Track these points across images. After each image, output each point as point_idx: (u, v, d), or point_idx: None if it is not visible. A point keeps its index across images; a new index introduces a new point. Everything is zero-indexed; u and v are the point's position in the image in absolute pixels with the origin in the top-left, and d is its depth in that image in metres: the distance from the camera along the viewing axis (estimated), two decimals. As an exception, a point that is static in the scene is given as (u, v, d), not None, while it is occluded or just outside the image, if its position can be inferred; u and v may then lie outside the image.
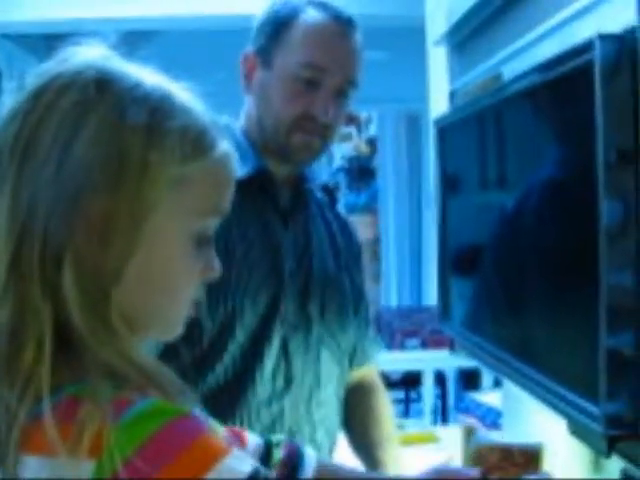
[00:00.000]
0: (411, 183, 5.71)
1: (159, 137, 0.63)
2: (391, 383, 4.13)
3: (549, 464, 1.21)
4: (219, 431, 0.88)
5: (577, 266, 0.84)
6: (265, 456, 0.94)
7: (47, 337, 0.60)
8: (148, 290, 0.65)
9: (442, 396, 4.18)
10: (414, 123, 5.59)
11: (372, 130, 6.29)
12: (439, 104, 1.45)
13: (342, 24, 1.23)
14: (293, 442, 0.99)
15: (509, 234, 1.08)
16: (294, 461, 0.95)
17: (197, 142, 0.65)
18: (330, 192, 1.45)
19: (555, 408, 0.90)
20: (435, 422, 3.73)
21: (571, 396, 0.85)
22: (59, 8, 3.18)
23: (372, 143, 6.29)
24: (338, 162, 6.68)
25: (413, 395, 4.60)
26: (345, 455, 1.41)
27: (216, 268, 0.70)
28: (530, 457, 1.08)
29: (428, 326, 4.25)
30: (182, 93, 0.68)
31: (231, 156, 0.69)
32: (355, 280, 1.43)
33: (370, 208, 6.13)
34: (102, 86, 0.63)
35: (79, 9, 3.17)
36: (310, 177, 1.35)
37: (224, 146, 0.68)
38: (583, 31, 0.85)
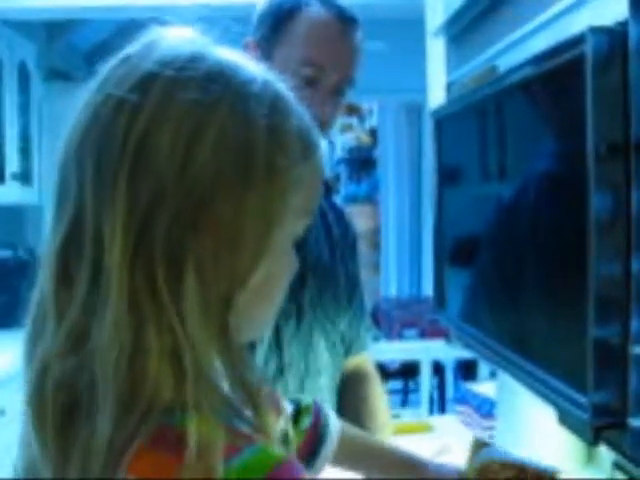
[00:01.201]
0: (412, 173, 5.71)
1: (281, 138, 0.59)
2: (389, 373, 4.15)
3: (542, 456, 1.22)
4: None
5: (568, 258, 0.84)
6: (294, 422, 0.94)
7: (182, 352, 0.54)
8: (257, 298, 0.61)
9: (440, 386, 4.20)
10: (415, 114, 5.59)
11: (374, 121, 6.28)
12: (437, 95, 1.45)
13: (345, 22, 1.24)
14: (319, 409, 1.00)
15: (504, 226, 1.09)
16: (319, 431, 0.96)
17: (308, 141, 0.62)
18: (326, 182, 1.46)
19: (545, 398, 0.91)
20: (432, 412, 3.74)
21: (560, 386, 0.86)
22: (60, -5, 3.18)
23: (373, 134, 6.28)
24: (339, 153, 6.68)
25: (411, 385, 4.61)
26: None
27: (296, 265, 0.66)
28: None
29: (427, 316, 4.26)
30: (287, 90, 0.64)
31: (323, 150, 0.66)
32: (350, 270, 1.44)
33: (371, 198, 6.13)
34: (221, 79, 0.58)
35: (80, -3, 3.16)
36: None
37: (321, 142, 0.65)
38: (577, 24, 0.86)
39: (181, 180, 0.55)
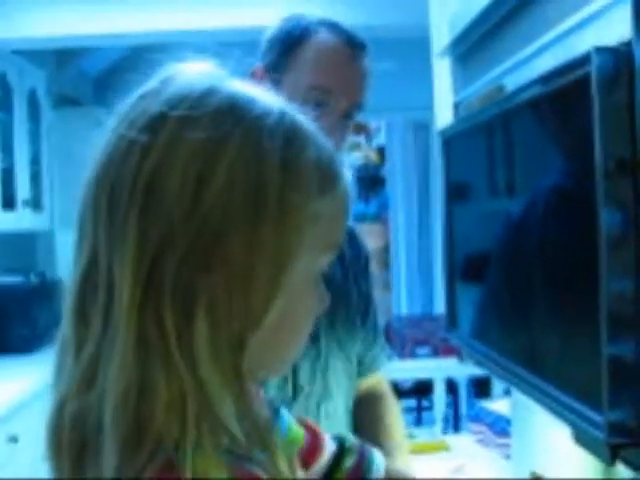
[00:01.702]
0: (420, 191, 5.72)
1: (296, 173, 0.57)
2: (402, 391, 4.13)
3: (558, 474, 1.21)
4: (300, 437, 0.86)
5: (579, 275, 0.84)
6: (337, 461, 0.93)
7: (188, 397, 0.53)
8: (277, 337, 0.59)
9: (454, 404, 4.17)
10: (422, 132, 5.61)
11: (381, 139, 6.30)
12: (444, 115, 1.46)
13: (354, 47, 1.24)
14: (364, 448, 0.98)
15: (514, 243, 1.09)
16: (363, 469, 0.95)
17: (328, 174, 0.60)
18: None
19: (560, 416, 0.91)
20: (447, 430, 3.72)
21: (575, 404, 0.85)
22: (69, 24, 3.22)
23: (381, 152, 6.30)
24: (348, 172, 6.70)
25: (425, 403, 4.59)
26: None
27: (327, 300, 0.65)
28: None
29: (439, 334, 4.25)
30: (306, 121, 0.61)
31: (349, 185, 0.63)
32: (362, 289, 1.44)
33: (380, 217, 6.14)
34: (232, 115, 0.57)
35: (88, 24, 3.20)
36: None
37: (346, 173, 0.63)
38: (582, 43, 0.86)
39: (190, 220, 0.54)
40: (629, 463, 0.78)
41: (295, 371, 1.26)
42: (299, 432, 0.88)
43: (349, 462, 0.94)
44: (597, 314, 0.77)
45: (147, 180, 0.55)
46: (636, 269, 0.75)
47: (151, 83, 0.60)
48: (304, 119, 0.61)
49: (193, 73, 0.60)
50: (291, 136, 0.58)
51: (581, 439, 0.85)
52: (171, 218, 0.54)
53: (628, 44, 0.73)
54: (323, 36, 1.24)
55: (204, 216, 0.54)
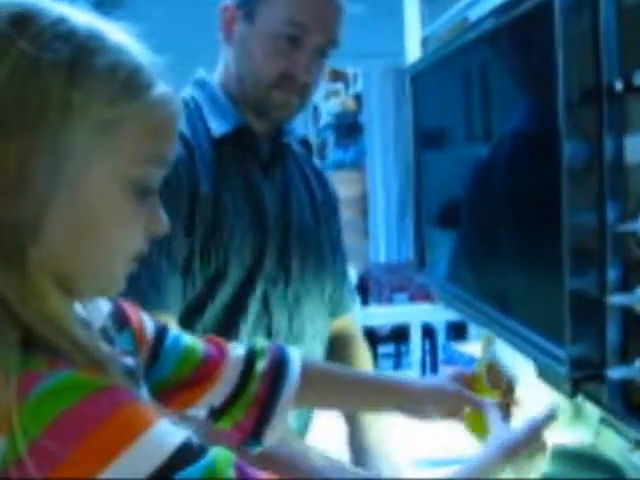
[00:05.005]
0: (397, 139, 5.68)
1: (83, 75, 0.58)
2: (380, 338, 4.16)
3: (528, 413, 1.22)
4: (196, 348, 0.89)
5: (544, 212, 0.83)
6: (248, 368, 0.92)
7: None
8: (77, 242, 0.60)
9: (432, 349, 4.21)
10: (400, 79, 5.54)
11: (359, 86, 6.23)
12: (414, 52, 1.43)
13: None
14: (277, 349, 0.96)
15: (482, 186, 1.08)
16: (277, 372, 0.93)
17: (129, 82, 0.61)
18: (308, 146, 1.44)
19: (526, 352, 0.91)
20: (424, 374, 3.76)
21: (539, 340, 0.85)
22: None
23: (359, 99, 6.24)
24: (325, 119, 6.63)
25: (403, 349, 4.63)
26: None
27: (163, 222, 0.66)
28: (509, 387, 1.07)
29: (416, 281, 4.25)
30: (117, 33, 0.63)
31: (172, 100, 0.64)
32: (333, 233, 1.43)
33: (358, 164, 6.10)
34: (21, 21, 0.58)
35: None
36: (288, 131, 1.34)
37: (163, 89, 0.63)
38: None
39: None
40: (591, 397, 0.78)
41: (269, 313, 1.25)
42: (195, 345, 0.89)
43: (261, 365, 0.92)
44: (560, 249, 0.76)
45: None
46: (599, 202, 0.73)
47: None
48: (120, 35, 0.62)
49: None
50: (84, 42, 0.59)
51: (544, 374, 0.85)
52: None
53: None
54: None
55: None
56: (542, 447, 0.89)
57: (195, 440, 0.58)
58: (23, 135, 0.57)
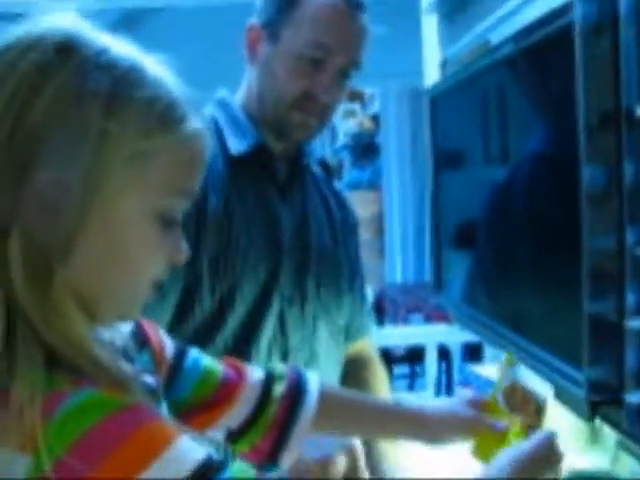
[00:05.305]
0: (414, 159, 5.69)
1: (121, 107, 0.60)
2: (395, 358, 4.14)
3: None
4: (215, 371, 0.89)
5: (563, 235, 0.83)
6: (266, 391, 0.92)
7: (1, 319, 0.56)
8: (103, 267, 0.61)
9: (447, 370, 4.19)
10: (417, 99, 5.55)
11: (376, 107, 6.25)
12: (432, 74, 1.44)
13: (351, 6, 1.23)
14: (296, 373, 0.96)
15: (500, 204, 1.08)
16: (295, 396, 0.93)
17: (164, 115, 0.62)
18: (327, 167, 1.45)
19: (543, 375, 0.90)
20: (439, 396, 3.74)
21: (557, 362, 0.85)
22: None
23: (376, 120, 6.26)
24: (342, 139, 6.65)
25: (418, 370, 4.61)
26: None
27: (184, 251, 0.66)
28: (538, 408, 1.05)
29: (432, 301, 4.24)
30: (155, 66, 0.64)
31: (203, 135, 0.65)
32: (351, 255, 1.43)
33: (374, 184, 6.11)
34: (65, 50, 0.60)
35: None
36: (307, 152, 1.35)
37: (196, 123, 0.64)
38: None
39: (7, 146, 0.58)
40: (608, 420, 0.78)
41: (284, 334, 1.25)
42: (214, 367, 0.89)
43: (279, 390, 0.92)
44: (579, 272, 0.76)
45: None
46: (618, 226, 0.73)
47: (17, 27, 0.63)
48: (158, 69, 0.64)
49: (52, 21, 0.64)
50: (124, 74, 0.61)
51: (562, 396, 0.84)
52: None
53: (612, -8, 0.70)
54: None
55: (19, 144, 0.58)
56: (558, 458, 0.88)
57: (216, 456, 0.58)
58: (61, 161, 0.58)
